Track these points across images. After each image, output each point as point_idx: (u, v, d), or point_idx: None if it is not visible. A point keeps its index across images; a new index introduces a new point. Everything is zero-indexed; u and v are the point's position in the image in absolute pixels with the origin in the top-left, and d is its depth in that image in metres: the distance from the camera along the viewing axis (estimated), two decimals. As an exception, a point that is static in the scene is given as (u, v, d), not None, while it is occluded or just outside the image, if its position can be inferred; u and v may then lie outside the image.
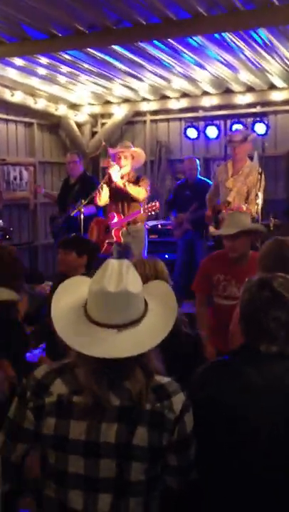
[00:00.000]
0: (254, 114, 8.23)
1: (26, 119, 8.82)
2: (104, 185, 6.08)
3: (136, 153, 6.11)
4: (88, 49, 6.21)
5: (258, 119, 7.89)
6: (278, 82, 7.80)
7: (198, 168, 7.70)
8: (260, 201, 5.89)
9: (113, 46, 6.13)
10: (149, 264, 3.13)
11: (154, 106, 8.89)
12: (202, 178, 7.74)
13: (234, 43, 6.05)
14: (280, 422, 1.79)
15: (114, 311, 1.64)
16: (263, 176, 6.01)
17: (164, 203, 8.18)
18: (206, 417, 1.79)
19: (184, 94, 8.56)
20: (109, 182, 6.06)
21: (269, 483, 1.78)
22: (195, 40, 6.03)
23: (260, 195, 5.89)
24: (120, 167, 5.99)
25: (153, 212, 6.03)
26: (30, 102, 8.33)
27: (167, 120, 9.18)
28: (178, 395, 1.69)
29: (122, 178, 6.00)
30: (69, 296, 1.77)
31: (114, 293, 1.63)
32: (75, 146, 9.13)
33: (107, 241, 6.12)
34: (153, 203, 5.96)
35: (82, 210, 6.16)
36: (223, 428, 1.81)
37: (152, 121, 9.24)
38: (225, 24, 5.48)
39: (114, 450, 1.62)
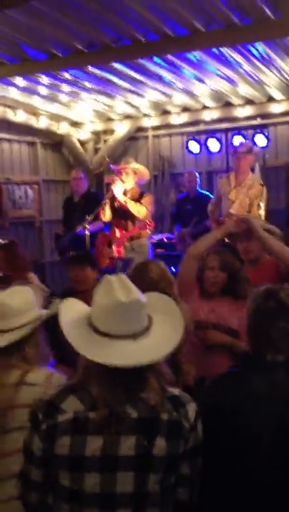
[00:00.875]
0: (254, 127, 8.29)
1: (29, 138, 8.91)
2: (108, 202, 6.13)
3: (137, 169, 6.16)
4: (88, 67, 6.29)
5: (258, 131, 7.94)
6: (277, 95, 7.87)
7: (198, 181, 7.76)
8: (262, 212, 5.92)
9: (113, 64, 6.21)
10: (152, 265, 3.09)
11: (155, 121, 8.95)
12: (202, 191, 7.81)
13: (232, 57, 6.12)
14: (284, 428, 1.81)
15: (129, 320, 1.68)
16: (265, 187, 6.06)
17: (170, 216, 8.24)
18: (211, 423, 1.82)
19: (185, 109, 8.64)
20: (113, 198, 6.12)
21: (270, 487, 1.80)
22: (194, 55, 6.11)
23: (263, 206, 5.93)
24: (123, 183, 6.04)
25: (148, 230, 6.11)
26: (32, 121, 8.44)
27: (169, 135, 9.26)
28: (191, 404, 1.74)
29: (124, 194, 6.05)
30: (72, 315, 1.80)
31: (127, 303, 1.67)
32: (79, 163, 9.21)
33: (109, 256, 6.16)
34: (148, 222, 6.07)
35: (88, 226, 6.20)
36: (227, 434, 1.84)
37: (154, 136, 9.32)
38: (222, 39, 5.56)
39: (133, 462, 1.63)
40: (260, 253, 3.79)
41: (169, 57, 6.08)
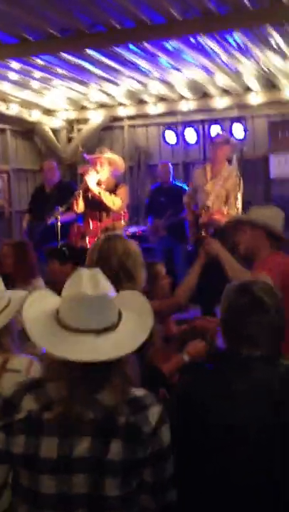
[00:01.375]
0: (232, 118, 8.20)
1: (-1, 126, 8.66)
2: (82, 192, 5.97)
3: (112, 159, 6.01)
4: (61, 53, 6.10)
5: (235, 121, 7.87)
6: (254, 85, 7.78)
7: (172, 172, 7.64)
8: (239, 204, 5.86)
9: (87, 50, 6.03)
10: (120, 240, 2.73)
11: (131, 111, 8.79)
12: (177, 182, 7.70)
13: (209, 46, 5.99)
14: (265, 430, 1.75)
15: (93, 314, 1.64)
16: (241, 179, 5.99)
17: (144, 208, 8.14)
18: (183, 417, 1.79)
19: (162, 99, 8.51)
20: (86, 189, 5.96)
21: (250, 489, 1.75)
22: (170, 44, 5.97)
23: (240, 197, 5.86)
24: (97, 173, 5.89)
25: (122, 222, 5.97)
26: (1, 107, 8.16)
27: (145, 125, 9.13)
28: (154, 407, 1.66)
29: (99, 184, 5.90)
30: (38, 308, 1.75)
31: (93, 296, 1.63)
32: (51, 152, 9.02)
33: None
34: (123, 214, 5.94)
35: (59, 217, 6.04)
36: (198, 432, 1.79)
37: (130, 126, 9.18)
38: (199, 27, 5.44)
39: (87, 465, 1.58)
40: (251, 246, 3.24)
41: (145, 45, 5.93)
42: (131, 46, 5.97)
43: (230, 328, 1.93)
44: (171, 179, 7.68)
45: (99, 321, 1.64)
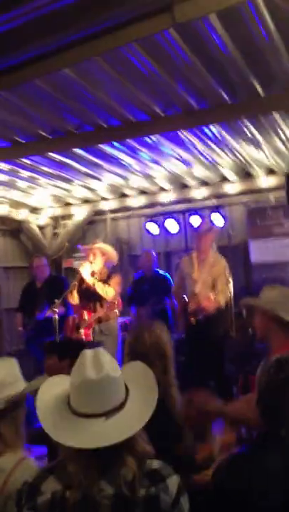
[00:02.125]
0: (210, 207, 8.50)
1: (-13, 226, 8.86)
2: (76, 284, 6.05)
3: (105, 249, 6.15)
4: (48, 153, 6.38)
5: (214, 210, 8.14)
6: (230, 175, 8.16)
7: (155, 260, 7.74)
8: (231, 288, 5.97)
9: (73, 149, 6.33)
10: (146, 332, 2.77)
11: (113, 204, 9.08)
12: (160, 271, 7.79)
13: (187, 138, 6.34)
14: None
15: (100, 398, 1.66)
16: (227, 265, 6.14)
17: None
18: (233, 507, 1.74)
19: (142, 192, 8.82)
20: (81, 280, 6.04)
21: None
22: (151, 138, 6.29)
23: (231, 280, 5.97)
24: (90, 264, 6.00)
25: (116, 311, 6.02)
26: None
27: (127, 217, 9.38)
28: (172, 477, 1.67)
29: (92, 275, 6.00)
30: (51, 394, 1.77)
31: (96, 380, 1.65)
32: (37, 248, 9.16)
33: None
34: (116, 303, 6.01)
35: (56, 310, 6.06)
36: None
37: (113, 219, 9.43)
38: (180, 123, 5.77)
39: None
40: (265, 333, 3.06)
41: (128, 140, 6.25)
42: (115, 143, 6.29)
43: (269, 405, 1.91)
44: (154, 267, 7.75)
45: (107, 402, 1.67)
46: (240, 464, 1.87)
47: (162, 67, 4.54)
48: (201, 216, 8.16)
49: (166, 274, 7.67)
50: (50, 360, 4.02)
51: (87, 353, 1.74)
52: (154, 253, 7.89)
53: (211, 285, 6.06)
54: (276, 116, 5.77)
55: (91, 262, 6.00)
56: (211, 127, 6.07)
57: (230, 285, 5.99)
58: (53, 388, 1.79)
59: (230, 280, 6.00)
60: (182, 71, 4.62)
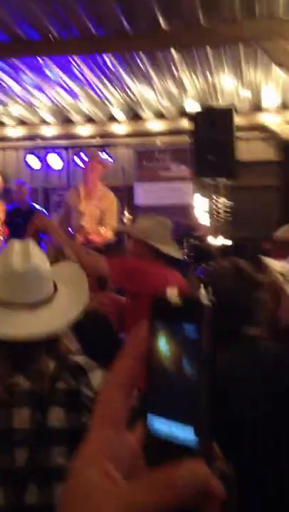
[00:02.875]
0: (96, 146, 8.20)
1: None
2: None
3: None
4: None
5: (100, 150, 7.86)
6: (118, 115, 7.88)
7: (28, 193, 7.17)
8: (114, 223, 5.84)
9: None
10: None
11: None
12: (36, 205, 7.28)
13: (78, 66, 5.94)
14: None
15: (26, 290, 1.59)
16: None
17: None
18: None
19: (22, 122, 8.27)
20: None
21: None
22: (38, 60, 5.79)
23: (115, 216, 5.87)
24: None
25: (1, 237, 5.67)
26: None
27: (3, 149, 8.79)
28: (96, 371, 1.61)
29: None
30: None
31: (22, 271, 1.59)
32: None
33: None
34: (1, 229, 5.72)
35: None
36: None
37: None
38: (75, 48, 5.39)
39: (29, 436, 1.52)
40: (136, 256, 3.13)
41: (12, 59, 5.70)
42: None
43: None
44: (28, 200, 7.15)
45: (33, 295, 1.59)
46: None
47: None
48: (86, 156, 7.83)
49: (43, 210, 7.26)
50: None
51: (15, 243, 1.66)
52: (27, 186, 7.37)
53: (99, 218, 5.87)
54: (174, 53, 5.56)
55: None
56: (105, 57, 5.73)
57: (113, 221, 5.82)
58: None
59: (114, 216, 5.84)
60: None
